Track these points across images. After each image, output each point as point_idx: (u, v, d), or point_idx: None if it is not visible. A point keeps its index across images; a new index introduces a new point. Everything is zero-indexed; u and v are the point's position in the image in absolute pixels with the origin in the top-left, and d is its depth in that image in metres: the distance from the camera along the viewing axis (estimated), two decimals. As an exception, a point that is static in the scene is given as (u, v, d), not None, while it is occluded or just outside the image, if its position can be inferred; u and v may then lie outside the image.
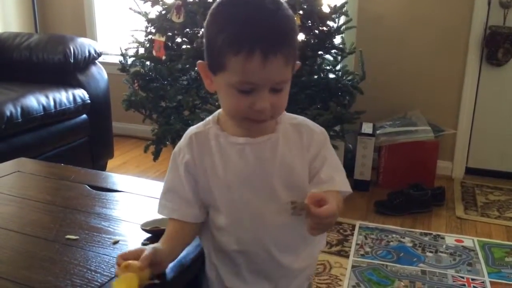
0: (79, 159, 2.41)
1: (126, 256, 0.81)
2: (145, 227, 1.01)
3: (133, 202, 1.20)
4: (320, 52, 2.26)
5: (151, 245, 0.85)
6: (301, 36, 2.22)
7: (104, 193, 1.23)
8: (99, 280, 0.85)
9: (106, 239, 1.00)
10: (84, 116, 2.49)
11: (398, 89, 2.77)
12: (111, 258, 0.92)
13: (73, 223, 1.06)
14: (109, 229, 1.04)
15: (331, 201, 0.75)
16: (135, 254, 0.81)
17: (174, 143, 2.33)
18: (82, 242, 0.98)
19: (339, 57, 2.31)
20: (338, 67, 2.37)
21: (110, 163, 2.78)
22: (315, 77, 2.23)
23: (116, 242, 0.98)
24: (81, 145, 2.49)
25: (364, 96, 2.29)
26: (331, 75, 2.30)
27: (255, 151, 0.85)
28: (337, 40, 2.36)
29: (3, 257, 0.93)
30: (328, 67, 2.33)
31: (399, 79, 2.76)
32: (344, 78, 2.28)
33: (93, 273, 0.87)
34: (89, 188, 1.26)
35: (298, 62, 0.84)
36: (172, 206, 0.89)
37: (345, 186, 0.88)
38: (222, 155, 0.86)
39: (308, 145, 0.87)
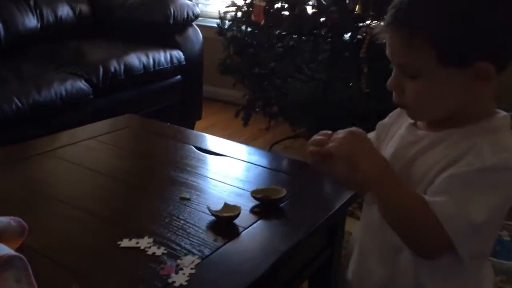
0: (170, 118, 2.49)
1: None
2: (256, 195, 1.01)
3: (239, 168, 1.21)
4: None
5: None
6: None
7: (210, 156, 1.25)
8: (214, 243, 0.86)
9: (216, 202, 1.01)
10: (179, 77, 2.54)
11: None
12: (224, 222, 0.94)
13: (185, 183, 1.09)
14: (218, 193, 1.06)
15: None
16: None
17: (264, 110, 2.33)
18: (195, 202, 1.00)
19: None
20: None
21: (198, 124, 2.85)
22: None
23: (227, 207, 1.00)
24: (173, 105, 2.56)
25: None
26: None
27: (400, 141, 0.78)
28: None
29: (126, 210, 0.98)
30: None
31: None
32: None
33: (208, 234, 0.89)
34: (195, 149, 1.28)
35: (483, 62, 0.65)
36: None
37: (442, 211, 0.64)
38: (394, 134, 0.81)
39: (452, 161, 0.67)
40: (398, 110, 0.84)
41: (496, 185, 0.64)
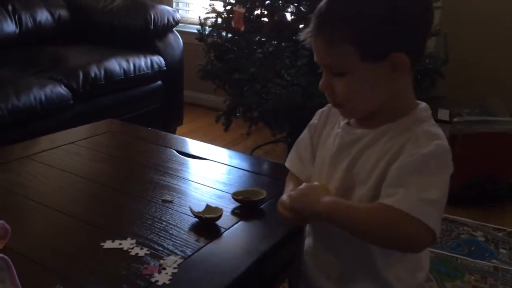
0: (151, 124, 2.49)
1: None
2: (236, 197, 1.03)
3: (220, 171, 1.23)
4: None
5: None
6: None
7: (192, 159, 1.27)
8: (196, 244, 0.88)
9: (198, 204, 1.03)
10: (159, 82, 2.55)
11: (479, 75, 2.62)
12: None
13: (166, 186, 1.10)
14: (200, 195, 1.08)
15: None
16: None
17: (245, 115, 2.35)
18: (177, 205, 1.02)
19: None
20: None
21: (179, 130, 2.85)
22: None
23: (208, 208, 1.01)
24: (154, 110, 2.56)
25: (442, 80, 2.19)
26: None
27: (340, 141, 0.81)
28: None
29: (108, 212, 0.99)
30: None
31: (482, 64, 2.61)
32: (426, 61, 2.18)
33: (190, 235, 0.91)
34: (176, 153, 1.30)
35: (397, 53, 0.71)
36: (291, 159, 0.92)
37: (406, 204, 0.69)
38: (330, 134, 0.85)
39: (396, 153, 0.73)
40: (326, 110, 0.89)
41: (438, 167, 0.72)
